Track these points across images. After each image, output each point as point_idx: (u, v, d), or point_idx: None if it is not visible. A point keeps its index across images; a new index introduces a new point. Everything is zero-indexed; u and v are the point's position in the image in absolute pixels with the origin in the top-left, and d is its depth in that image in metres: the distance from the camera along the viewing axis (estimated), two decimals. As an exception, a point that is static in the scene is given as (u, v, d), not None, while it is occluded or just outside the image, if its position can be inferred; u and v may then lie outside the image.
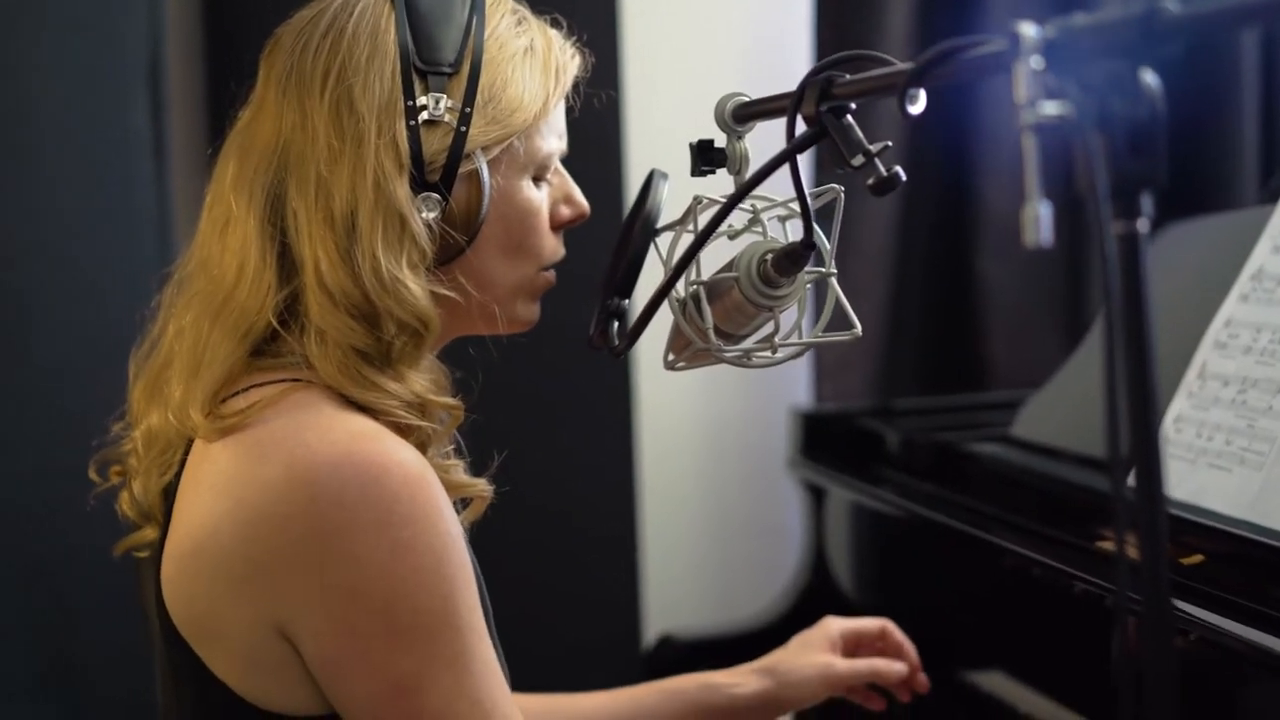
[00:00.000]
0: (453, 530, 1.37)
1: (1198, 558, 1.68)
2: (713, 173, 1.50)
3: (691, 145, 1.49)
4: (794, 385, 2.78)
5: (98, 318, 2.26)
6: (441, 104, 1.43)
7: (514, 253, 1.49)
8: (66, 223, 2.27)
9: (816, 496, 2.43)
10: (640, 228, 1.56)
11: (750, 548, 2.75)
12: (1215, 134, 2.70)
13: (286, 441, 1.35)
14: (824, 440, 2.44)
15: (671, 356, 1.57)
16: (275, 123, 1.45)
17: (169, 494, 1.45)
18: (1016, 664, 1.97)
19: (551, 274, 1.54)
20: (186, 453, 1.45)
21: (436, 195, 1.43)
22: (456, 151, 1.43)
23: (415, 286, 1.41)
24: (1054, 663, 1.90)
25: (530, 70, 1.48)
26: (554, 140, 1.51)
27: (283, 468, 1.34)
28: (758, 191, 1.51)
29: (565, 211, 1.54)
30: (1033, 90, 1.01)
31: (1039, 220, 1.00)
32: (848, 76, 1.33)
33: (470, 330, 1.53)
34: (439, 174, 1.43)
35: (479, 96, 1.45)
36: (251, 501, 1.35)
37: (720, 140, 1.49)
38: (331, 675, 1.36)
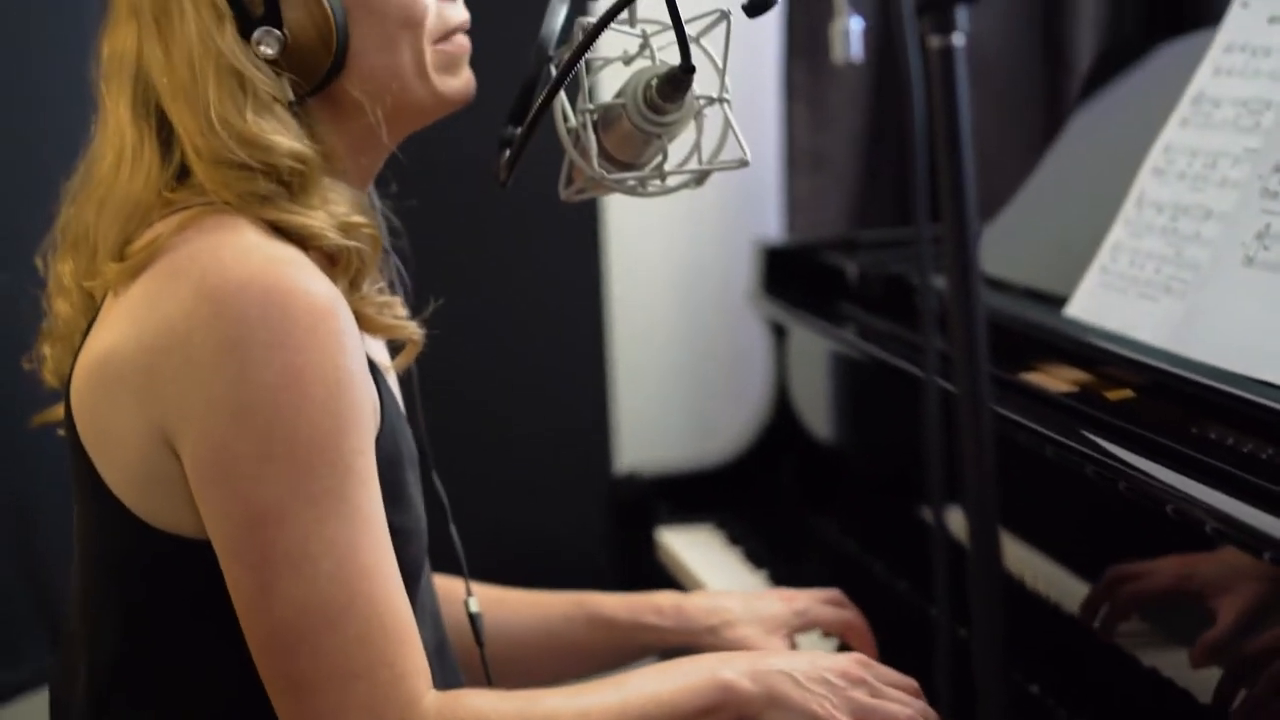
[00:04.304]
0: (354, 369, 1.34)
1: (1126, 392, 1.64)
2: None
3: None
4: (767, 219, 2.73)
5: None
6: None
7: (390, 40, 1.43)
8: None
9: (779, 333, 2.39)
10: (534, 53, 1.52)
11: (719, 381, 2.73)
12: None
13: (201, 257, 1.34)
14: (786, 274, 2.39)
15: (568, 187, 1.53)
16: (127, 10, 1.43)
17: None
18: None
19: (460, 39, 1.48)
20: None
21: (273, 30, 1.39)
22: None
23: (275, 135, 1.38)
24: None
25: None
26: None
27: (194, 283, 1.33)
28: (649, 15, 1.46)
29: None
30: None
31: (847, 35, 0.96)
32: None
33: (406, 127, 1.49)
34: (261, 6, 1.39)
35: None
36: (160, 312, 1.34)
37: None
38: (200, 493, 1.34)
